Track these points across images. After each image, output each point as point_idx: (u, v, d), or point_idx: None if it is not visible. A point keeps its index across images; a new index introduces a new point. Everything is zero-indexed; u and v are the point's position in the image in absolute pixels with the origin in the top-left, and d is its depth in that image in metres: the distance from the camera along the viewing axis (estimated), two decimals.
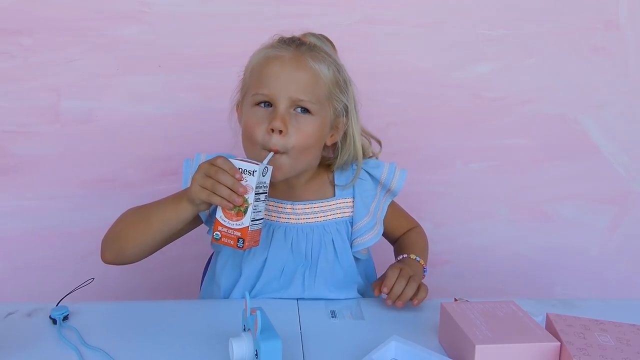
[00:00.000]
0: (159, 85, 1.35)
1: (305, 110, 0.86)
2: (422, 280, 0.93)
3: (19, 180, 1.36)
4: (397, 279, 0.87)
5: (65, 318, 0.80)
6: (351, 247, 0.97)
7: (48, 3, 1.30)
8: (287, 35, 0.92)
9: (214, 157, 0.79)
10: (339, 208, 0.97)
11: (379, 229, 0.99)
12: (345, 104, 0.92)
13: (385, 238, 1.07)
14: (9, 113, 1.33)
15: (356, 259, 0.99)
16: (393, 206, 1.04)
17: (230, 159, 0.79)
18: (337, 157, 0.96)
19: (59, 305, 0.83)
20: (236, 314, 0.80)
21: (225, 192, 0.77)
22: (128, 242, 0.87)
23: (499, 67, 1.43)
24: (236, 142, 0.94)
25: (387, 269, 0.91)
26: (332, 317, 0.87)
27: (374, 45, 1.37)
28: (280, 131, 0.83)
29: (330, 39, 0.97)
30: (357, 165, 0.96)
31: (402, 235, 1.08)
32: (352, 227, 0.97)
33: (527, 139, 1.47)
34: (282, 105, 0.85)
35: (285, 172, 0.87)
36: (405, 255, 0.98)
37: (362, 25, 1.36)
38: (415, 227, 1.10)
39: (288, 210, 0.94)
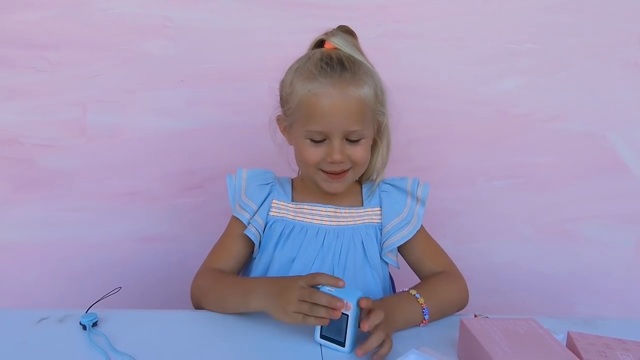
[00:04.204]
0: (181, 100, 1.40)
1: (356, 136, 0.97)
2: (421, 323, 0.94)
3: (47, 193, 1.42)
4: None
5: (95, 324, 0.87)
6: (382, 249, 1.05)
7: (73, 18, 1.33)
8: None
9: (309, 276, 0.86)
10: (367, 215, 1.06)
11: (411, 230, 1.05)
12: (383, 111, 1.01)
13: (414, 271, 1.10)
14: (37, 127, 1.38)
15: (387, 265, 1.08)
16: (425, 236, 1.10)
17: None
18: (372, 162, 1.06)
19: (88, 312, 0.89)
20: (265, 323, 0.87)
21: (322, 312, 0.81)
22: (210, 308, 0.97)
23: (526, 83, 1.44)
24: (281, 157, 1.07)
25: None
26: None
27: (396, 59, 1.39)
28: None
29: (350, 28, 1.02)
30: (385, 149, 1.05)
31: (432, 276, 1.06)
32: (381, 232, 1.05)
33: (552, 157, 1.49)
34: (337, 140, 0.94)
35: (344, 186, 1.00)
36: (404, 290, 0.97)
37: (385, 39, 1.38)
38: (448, 270, 1.06)
39: (321, 213, 1.04)
